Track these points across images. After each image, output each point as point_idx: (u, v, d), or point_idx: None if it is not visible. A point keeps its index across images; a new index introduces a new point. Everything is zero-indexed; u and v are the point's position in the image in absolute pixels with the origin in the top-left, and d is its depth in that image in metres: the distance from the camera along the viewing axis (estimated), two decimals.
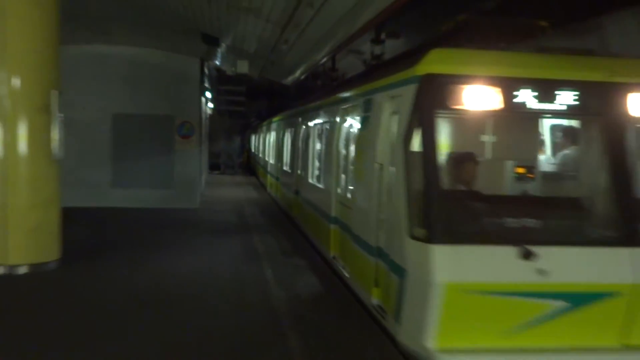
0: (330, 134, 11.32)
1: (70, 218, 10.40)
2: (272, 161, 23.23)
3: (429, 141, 5.83)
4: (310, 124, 13.62)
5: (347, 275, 9.08)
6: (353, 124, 9.64)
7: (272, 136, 23.94)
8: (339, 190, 10.31)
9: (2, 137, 8.80)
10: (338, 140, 10.60)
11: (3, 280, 8.75)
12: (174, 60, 17.17)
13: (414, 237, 5.96)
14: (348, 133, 10.09)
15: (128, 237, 12.69)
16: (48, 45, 9.15)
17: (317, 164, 12.99)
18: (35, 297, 8.10)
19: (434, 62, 6.00)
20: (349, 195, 9.52)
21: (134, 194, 16.88)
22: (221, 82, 28.59)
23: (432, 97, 5.94)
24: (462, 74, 5.87)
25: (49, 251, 9.33)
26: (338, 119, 10.50)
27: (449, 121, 7.14)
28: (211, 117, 31.75)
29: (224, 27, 12.92)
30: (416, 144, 6.00)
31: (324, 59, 15.08)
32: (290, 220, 15.89)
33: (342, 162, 10.42)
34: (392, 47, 12.57)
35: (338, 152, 10.57)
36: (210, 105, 28.62)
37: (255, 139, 36.78)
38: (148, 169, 17.08)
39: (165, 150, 17.22)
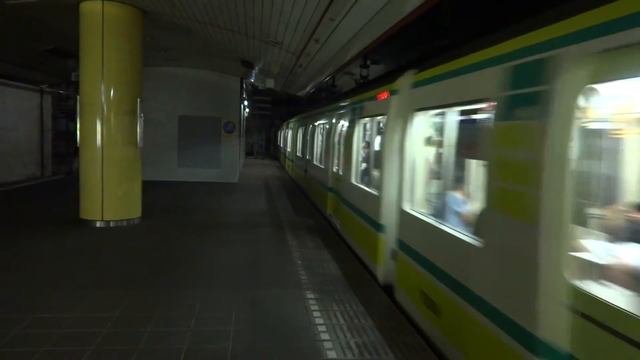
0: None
1: (149, 188, 10.44)
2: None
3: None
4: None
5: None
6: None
7: (288, 132, 24.38)
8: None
9: (101, 131, 8.82)
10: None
11: (101, 230, 8.84)
12: (221, 78, 17.05)
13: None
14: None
15: (189, 200, 12.75)
16: (134, 66, 9.14)
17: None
18: (127, 237, 8.26)
19: None
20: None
21: (193, 172, 16.89)
22: (254, 94, 28.35)
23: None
24: None
25: (133, 211, 9.40)
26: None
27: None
28: (247, 118, 31.61)
29: (257, 55, 12.86)
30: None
31: (327, 78, 15.01)
32: (292, 180, 19.21)
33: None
34: (374, 70, 12.49)
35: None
36: (247, 109, 28.51)
37: (277, 134, 37.17)
38: (203, 154, 17.04)
39: (215, 141, 17.15)
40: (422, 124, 5.16)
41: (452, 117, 4.55)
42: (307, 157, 14.83)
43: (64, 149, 18.12)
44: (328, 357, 4.11)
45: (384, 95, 6.39)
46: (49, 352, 4.01)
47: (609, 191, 3.07)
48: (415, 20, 6.79)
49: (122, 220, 9.12)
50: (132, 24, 9.02)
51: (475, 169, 4.63)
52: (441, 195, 4.84)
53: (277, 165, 29.57)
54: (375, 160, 7.32)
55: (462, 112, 4.42)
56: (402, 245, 5.37)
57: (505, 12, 4.42)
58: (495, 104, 3.39)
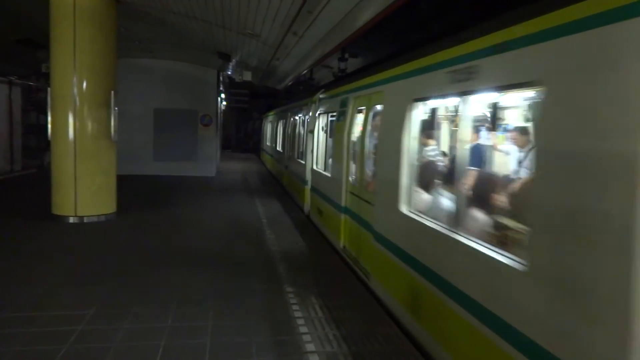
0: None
1: (124, 182, 10.29)
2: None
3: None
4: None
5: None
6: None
7: (266, 126, 24.44)
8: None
9: (74, 124, 8.64)
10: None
11: (75, 225, 8.68)
12: (198, 70, 16.91)
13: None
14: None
15: (165, 195, 12.57)
16: (108, 58, 8.96)
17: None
18: (101, 232, 8.05)
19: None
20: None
21: (169, 166, 16.71)
22: (231, 86, 28.13)
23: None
24: None
25: (107, 206, 9.25)
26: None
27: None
28: (224, 111, 31.34)
29: (234, 47, 12.76)
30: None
31: (305, 71, 14.99)
32: (266, 168, 21.34)
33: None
34: (352, 63, 12.53)
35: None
36: (224, 102, 28.27)
37: (254, 127, 37.09)
38: (179, 147, 16.87)
39: (192, 135, 17.00)
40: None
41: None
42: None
43: (35, 143, 17.71)
44: (307, 349, 4.14)
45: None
46: (22, 352, 3.93)
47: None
48: (393, 14, 6.82)
49: (96, 215, 8.97)
50: (105, 13, 8.82)
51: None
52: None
53: (254, 159, 29.44)
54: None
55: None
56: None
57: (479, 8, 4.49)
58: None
